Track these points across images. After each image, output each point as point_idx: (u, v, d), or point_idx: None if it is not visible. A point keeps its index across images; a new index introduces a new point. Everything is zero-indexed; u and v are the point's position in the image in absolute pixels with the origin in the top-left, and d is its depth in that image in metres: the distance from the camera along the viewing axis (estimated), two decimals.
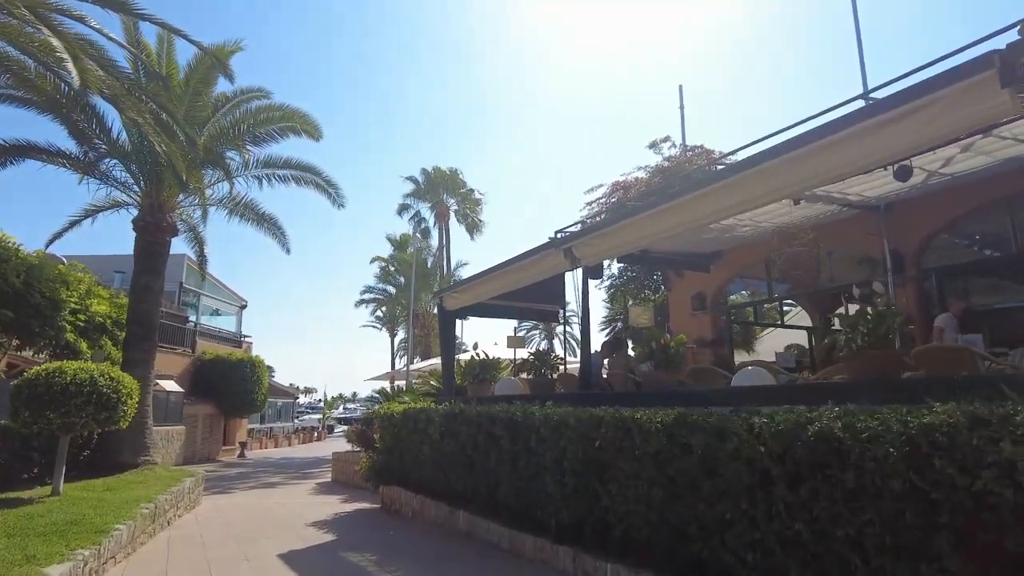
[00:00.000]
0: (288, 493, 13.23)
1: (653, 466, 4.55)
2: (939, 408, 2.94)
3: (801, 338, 14.32)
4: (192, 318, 25.40)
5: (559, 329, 46.43)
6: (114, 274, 22.31)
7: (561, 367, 8.86)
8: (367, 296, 41.54)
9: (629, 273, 15.90)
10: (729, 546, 3.96)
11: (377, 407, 12.97)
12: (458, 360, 11.54)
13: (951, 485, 2.79)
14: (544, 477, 5.75)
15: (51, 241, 13.36)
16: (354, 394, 79.06)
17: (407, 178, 36.17)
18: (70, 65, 6.07)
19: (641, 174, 15.26)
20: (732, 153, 8.36)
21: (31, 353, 11.30)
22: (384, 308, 43.19)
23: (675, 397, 5.59)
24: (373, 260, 40.24)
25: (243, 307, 31.40)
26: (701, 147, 15.38)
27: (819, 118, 5.26)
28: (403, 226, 37.81)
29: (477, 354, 9.38)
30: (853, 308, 14.00)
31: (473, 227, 35.47)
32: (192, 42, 9.33)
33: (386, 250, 39.61)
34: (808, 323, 14.15)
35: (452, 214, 35.91)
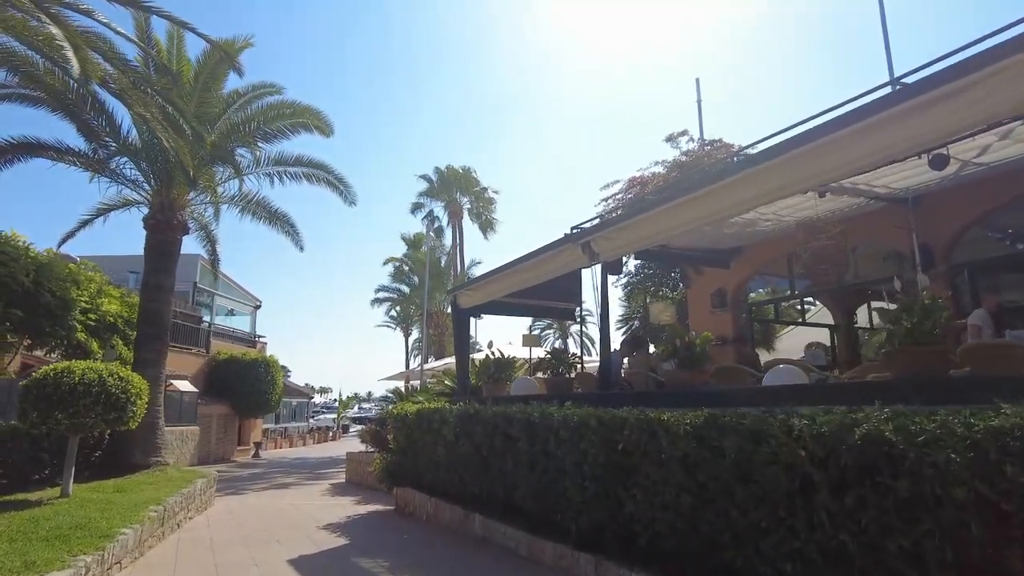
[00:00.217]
0: (301, 494, 13.07)
1: (681, 471, 4.28)
2: (1008, 410, 2.65)
3: (823, 336, 13.95)
4: (206, 318, 25.38)
5: (574, 329, 46.14)
6: (128, 274, 22.32)
7: (578, 366, 8.58)
8: (381, 295, 41.44)
9: (647, 270, 15.58)
10: (765, 556, 3.69)
11: (391, 407, 12.77)
12: (472, 359, 11.32)
13: None
14: (563, 481, 5.50)
15: (63, 240, 13.30)
16: (369, 394, 79.15)
17: (420, 176, 36.05)
18: (70, 54, 5.90)
19: (658, 169, 14.95)
20: (753, 144, 8.07)
21: (43, 353, 11.22)
22: (398, 308, 43.09)
23: (701, 397, 5.33)
24: (387, 261, 40.19)
25: (257, 307, 31.39)
26: (720, 141, 15.04)
27: (846, 106, 4.97)
28: (417, 225, 37.75)
29: (492, 353, 9.13)
30: (878, 305, 13.66)
31: (487, 226, 35.24)
32: (200, 35, 9.17)
33: (400, 249, 39.54)
34: (830, 321, 13.79)
35: (465, 213, 35.70)
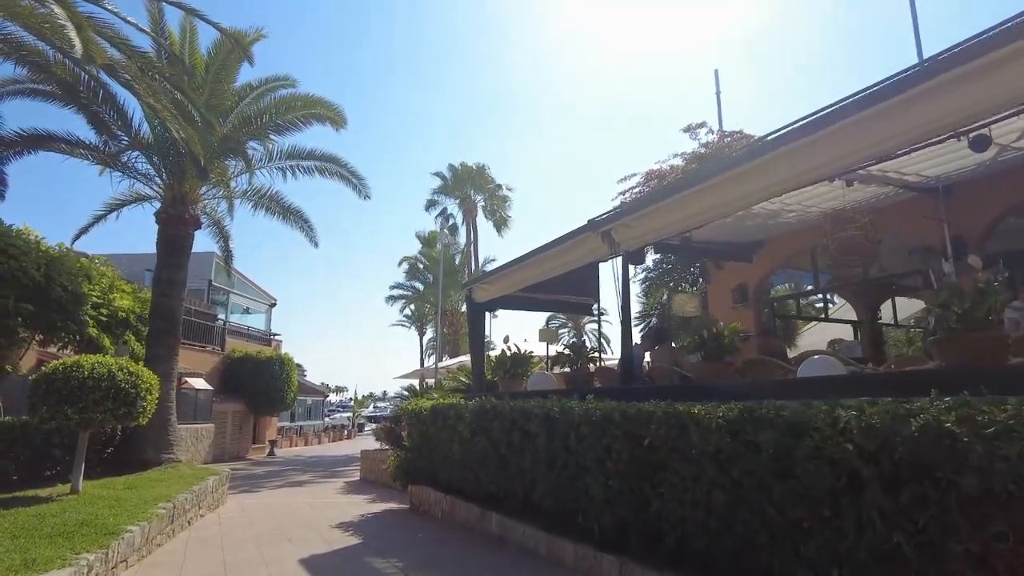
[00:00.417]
0: (315, 492, 12.92)
1: (714, 467, 4.01)
2: None
3: (845, 332, 13.57)
4: (221, 316, 25.37)
5: (589, 327, 45.79)
6: (144, 272, 22.26)
7: (598, 361, 8.31)
8: (396, 293, 41.37)
9: (665, 265, 15.26)
10: (806, 558, 3.42)
11: (405, 403, 12.57)
12: (487, 355, 11.09)
13: None
14: (585, 478, 5.24)
15: (77, 236, 13.29)
16: (384, 393, 79.26)
17: (434, 174, 35.92)
18: (72, 34, 5.72)
19: (677, 161, 14.62)
20: (786, 127, 7.75)
21: (56, 349, 11.14)
22: (413, 306, 43.03)
23: (729, 391, 5.04)
24: (402, 261, 40.13)
25: (272, 305, 31.38)
26: (740, 132, 14.68)
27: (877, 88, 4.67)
28: (431, 223, 37.62)
29: (508, 348, 8.87)
30: (906, 303, 13.27)
31: (501, 223, 35.01)
32: (210, 23, 9.03)
33: (415, 248, 39.47)
34: (852, 317, 13.42)
35: (480, 210, 35.50)
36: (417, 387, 17.36)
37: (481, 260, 34.98)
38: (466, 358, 17.93)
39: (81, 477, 7.83)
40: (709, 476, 4.06)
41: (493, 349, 16.07)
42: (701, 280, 14.15)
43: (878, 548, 3.04)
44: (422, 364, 40.19)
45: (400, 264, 39.68)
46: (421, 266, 38.74)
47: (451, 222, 35.71)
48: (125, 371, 7.90)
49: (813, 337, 14.17)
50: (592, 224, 6.81)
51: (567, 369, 7.94)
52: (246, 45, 10.93)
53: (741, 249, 11.51)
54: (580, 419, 5.28)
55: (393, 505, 9.95)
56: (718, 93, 16.98)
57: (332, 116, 12.21)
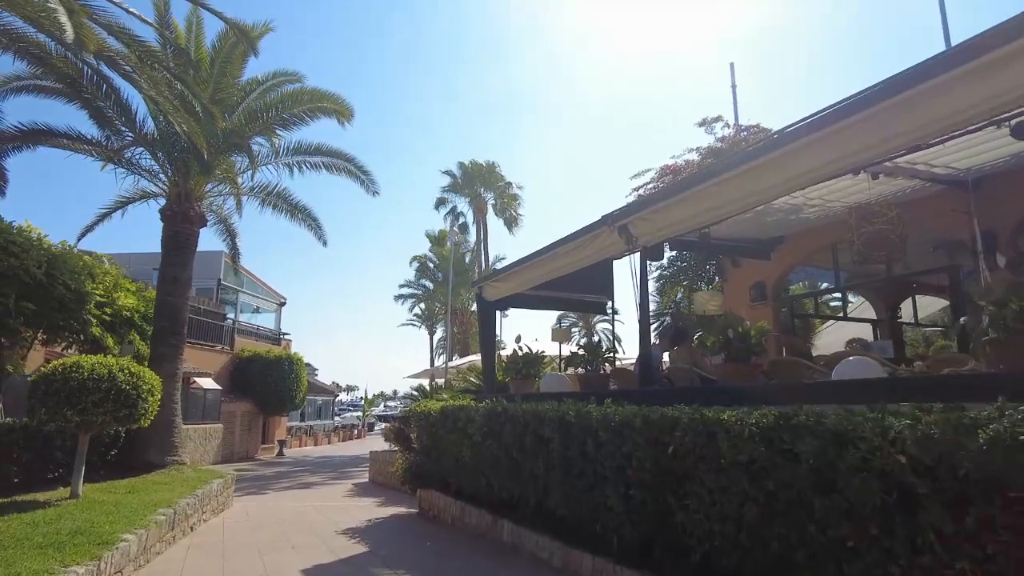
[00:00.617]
0: (323, 495, 12.68)
1: (746, 478, 3.69)
2: None
3: (863, 332, 13.19)
4: (231, 315, 25.24)
5: (600, 327, 45.39)
6: (152, 271, 22.12)
7: (615, 361, 7.99)
8: (405, 292, 41.17)
9: (680, 263, 14.94)
10: None
11: (413, 404, 12.30)
12: (499, 355, 10.80)
13: None
14: (604, 487, 4.93)
15: (82, 235, 13.10)
16: (395, 392, 79.14)
17: (444, 172, 35.62)
18: (63, 18, 5.47)
19: (692, 156, 14.30)
20: (818, 113, 7.40)
21: (60, 348, 10.96)
22: (423, 305, 42.83)
23: (756, 394, 4.72)
24: (412, 260, 39.92)
25: (282, 304, 31.24)
26: (757, 126, 14.34)
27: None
28: (440, 221, 37.40)
29: (519, 348, 8.58)
30: (924, 301, 12.86)
31: (511, 221, 34.70)
32: (213, 12, 8.75)
33: (425, 247, 39.26)
34: (870, 315, 13.04)
35: (490, 208, 35.19)
36: (427, 387, 17.09)
37: (491, 259, 34.72)
38: (476, 358, 17.67)
39: (81, 481, 7.61)
40: (741, 488, 3.74)
41: (503, 349, 15.81)
42: (717, 278, 13.81)
43: (937, 574, 2.72)
44: (432, 364, 39.99)
45: (411, 263, 39.51)
46: (431, 265, 38.54)
47: (461, 220, 35.48)
48: (126, 372, 7.66)
49: (830, 337, 13.80)
50: (608, 218, 6.49)
51: (581, 370, 7.63)
52: (252, 38, 10.68)
53: (760, 246, 11.18)
54: (598, 424, 4.97)
55: (402, 509, 9.69)
56: (734, 87, 16.61)
57: (339, 109, 11.93)
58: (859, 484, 3.02)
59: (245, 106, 11.84)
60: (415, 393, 18.30)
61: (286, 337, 30.22)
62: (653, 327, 16.77)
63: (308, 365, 30.85)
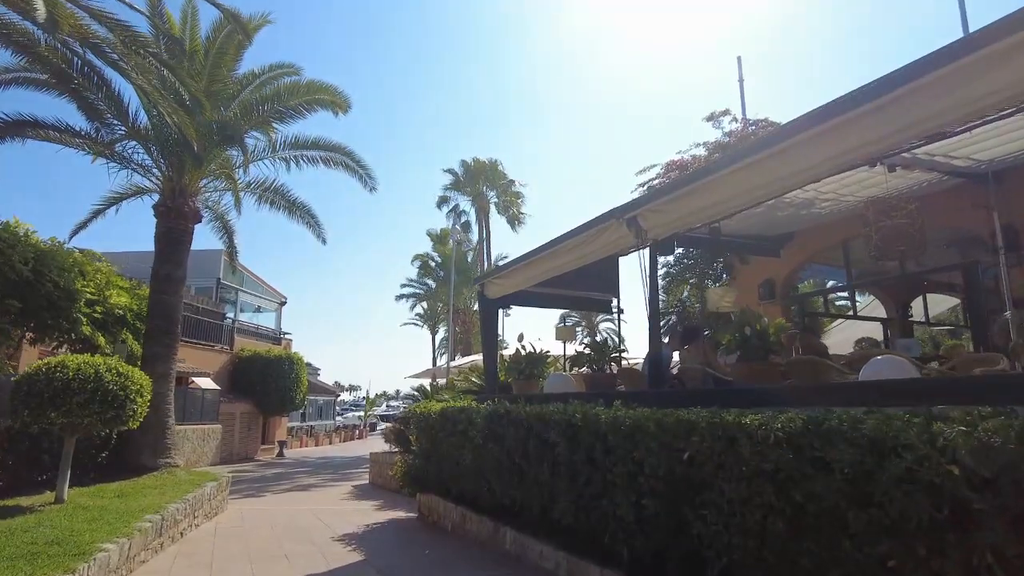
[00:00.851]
0: (321, 498, 12.39)
1: (770, 488, 3.37)
2: None
3: (872, 331, 12.88)
4: (230, 315, 24.97)
5: (603, 326, 45.05)
6: (150, 270, 21.95)
7: (622, 361, 7.66)
8: (407, 291, 40.86)
9: (686, 261, 14.62)
10: None
11: (413, 405, 11.99)
12: (501, 355, 10.49)
13: None
14: (613, 496, 4.61)
15: (75, 232, 12.84)
16: (397, 392, 78.93)
17: (446, 170, 35.31)
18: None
19: (700, 151, 13.96)
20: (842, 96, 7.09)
21: (51, 348, 10.67)
22: (425, 304, 42.53)
23: (776, 396, 4.40)
24: (415, 259, 39.61)
25: (283, 304, 30.97)
26: (765, 120, 13.99)
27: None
28: (443, 220, 37.06)
29: (523, 346, 8.26)
30: (934, 299, 12.53)
31: (515, 219, 34.34)
32: None
33: (427, 246, 38.95)
34: (879, 314, 12.73)
35: (492, 207, 34.86)
36: (428, 387, 16.78)
37: (494, 258, 34.39)
38: (478, 357, 17.35)
39: (66, 485, 7.31)
40: (764, 499, 3.42)
41: (506, 348, 15.50)
42: (725, 276, 13.49)
43: None
44: (434, 363, 39.69)
45: (412, 261, 39.22)
46: (433, 264, 38.24)
47: (464, 219, 35.16)
48: (114, 371, 7.37)
49: (839, 336, 13.48)
50: (617, 211, 6.16)
51: (587, 370, 7.31)
52: (249, 29, 10.39)
53: (769, 243, 10.87)
54: (607, 428, 4.65)
55: (401, 514, 9.39)
56: (741, 80, 16.31)
57: (336, 101, 11.60)
58: (903, 497, 2.69)
59: (241, 99, 11.53)
60: (416, 394, 17.99)
61: (286, 337, 29.95)
62: (661, 326, 16.48)
63: (309, 365, 30.59)
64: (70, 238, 12.44)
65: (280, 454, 25.47)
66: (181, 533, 7.44)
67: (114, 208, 12.61)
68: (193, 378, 19.78)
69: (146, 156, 10.72)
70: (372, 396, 62.69)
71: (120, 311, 10.76)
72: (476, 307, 26.88)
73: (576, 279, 8.68)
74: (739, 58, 15.63)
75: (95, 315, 10.04)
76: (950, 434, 2.58)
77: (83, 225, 12.76)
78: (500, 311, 12.48)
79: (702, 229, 9.40)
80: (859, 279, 11.89)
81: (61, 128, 9.83)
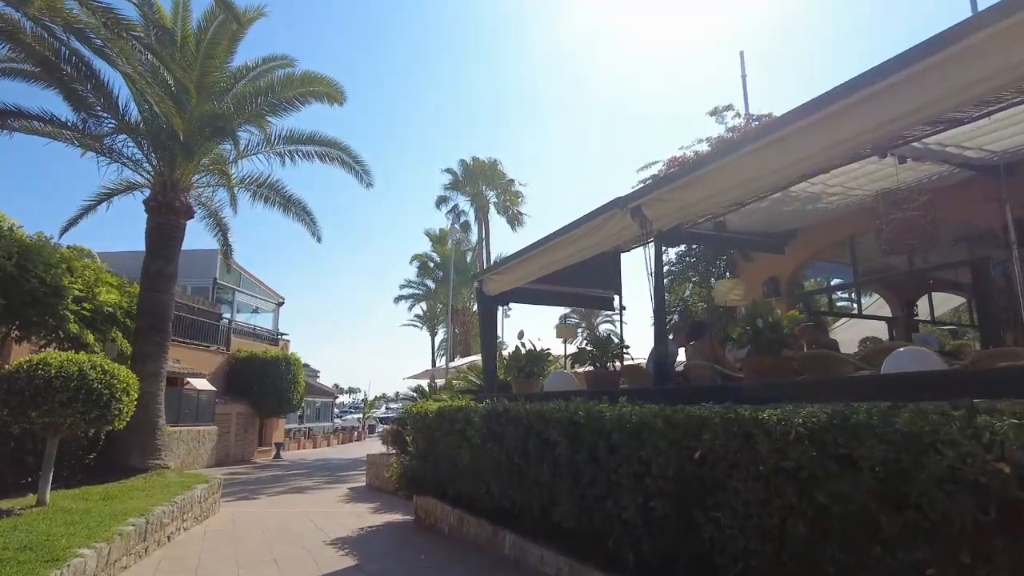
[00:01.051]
0: (316, 500, 12.11)
1: (791, 488, 3.12)
2: None
3: (877, 330, 12.63)
4: (227, 315, 24.70)
5: (603, 327, 44.79)
6: None
7: (626, 358, 7.40)
8: (406, 292, 40.58)
9: (688, 259, 14.39)
10: None
11: (410, 405, 11.72)
12: (500, 354, 10.23)
13: None
14: (619, 497, 4.35)
15: (66, 228, 12.58)
16: (397, 394, 78.61)
17: (445, 170, 35.04)
18: None
19: (702, 147, 13.71)
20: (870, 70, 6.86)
21: (39, 346, 10.40)
22: (424, 304, 42.27)
23: (789, 391, 4.11)
24: (413, 258, 39.34)
25: (280, 304, 30.70)
26: (769, 116, 13.75)
27: None
28: (442, 220, 36.81)
29: (523, 344, 8.00)
30: (939, 296, 12.29)
31: (514, 219, 34.07)
32: None
33: (426, 246, 38.70)
34: (883, 313, 12.49)
35: (492, 207, 34.60)
36: (426, 388, 16.53)
37: (493, 258, 34.09)
38: (477, 358, 17.08)
39: (48, 487, 7.04)
40: (784, 500, 3.16)
41: (506, 349, 15.24)
42: (728, 273, 13.25)
43: None
44: (433, 364, 39.42)
45: (411, 261, 38.95)
46: (431, 264, 37.98)
47: (463, 219, 34.88)
48: (98, 369, 7.11)
49: (843, 335, 13.24)
50: (621, 200, 5.89)
51: (590, 368, 7.05)
52: (241, 18, 10.13)
53: (773, 240, 10.64)
54: (612, 426, 4.39)
55: (398, 516, 9.12)
56: (744, 76, 16.03)
57: (331, 92, 11.32)
58: (944, 499, 2.44)
59: (235, 92, 11.27)
60: (414, 394, 17.73)
61: (284, 337, 29.68)
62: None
63: (307, 367, 30.31)
64: (61, 235, 12.22)
65: (277, 456, 25.19)
66: (168, 537, 7.18)
67: (105, 205, 12.34)
68: (188, 379, 19.53)
69: (136, 150, 10.48)
70: (371, 398, 62.29)
71: (110, 309, 10.50)
72: (475, 308, 26.65)
73: (577, 275, 8.45)
74: (742, 53, 15.33)
75: (83, 312, 9.78)
76: (1000, 428, 2.33)
77: (73, 222, 12.51)
78: (499, 309, 12.24)
79: (706, 224, 9.17)
80: (865, 276, 11.66)
81: (46, 118, 9.56)
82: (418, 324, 47.34)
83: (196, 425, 18.88)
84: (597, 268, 8.70)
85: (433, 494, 8.09)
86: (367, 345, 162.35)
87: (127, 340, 10.89)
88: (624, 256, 9.48)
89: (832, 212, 9.39)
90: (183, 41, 10.56)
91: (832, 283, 13.91)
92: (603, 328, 44.84)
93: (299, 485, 15.16)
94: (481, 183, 34.14)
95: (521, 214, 34.31)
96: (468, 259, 34.87)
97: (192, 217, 11.04)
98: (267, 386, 23.25)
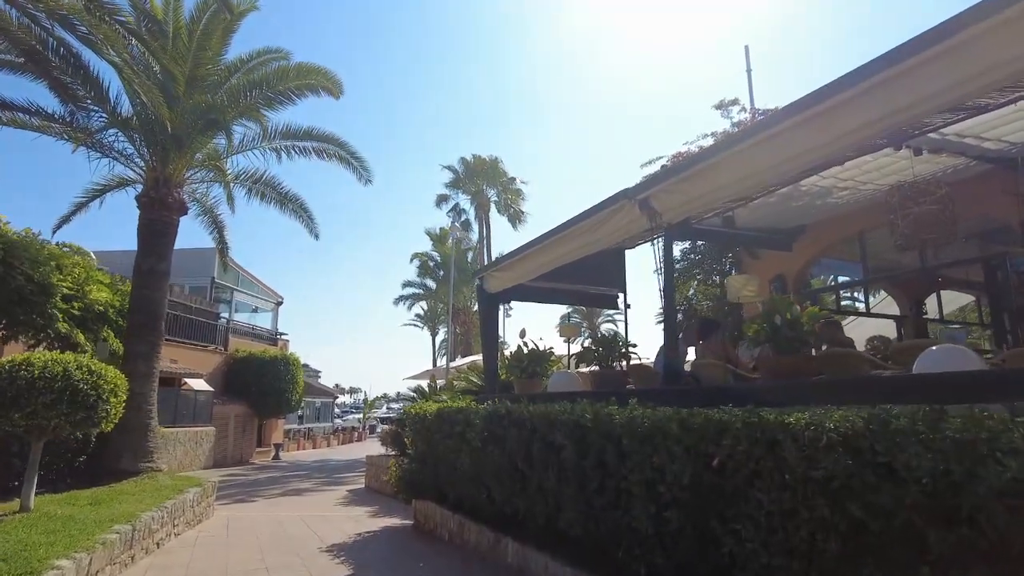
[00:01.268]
0: (314, 503, 11.85)
1: (822, 501, 2.84)
2: None
3: (884, 329, 12.35)
4: (225, 315, 24.43)
5: (604, 327, 44.48)
6: None
7: (633, 358, 7.10)
8: (406, 291, 40.26)
9: (692, 257, 14.11)
10: None
11: (409, 406, 11.44)
12: (502, 353, 9.95)
13: None
14: (629, 506, 4.07)
15: (58, 227, 12.30)
16: (398, 394, 78.34)
17: (445, 167, 34.71)
18: None
19: (708, 142, 13.43)
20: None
21: (28, 347, 10.13)
22: (424, 304, 41.97)
23: (807, 393, 3.82)
24: (414, 257, 39.02)
25: (279, 303, 30.43)
26: (775, 110, 13.48)
27: None
28: (442, 219, 36.50)
29: (525, 343, 7.72)
30: (946, 295, 12.01)
31: (515, 217, 33.74)
32: None
33: (427, 245, 38.39)
34: (892, 312, 12.22)
35: (492, 206, 34.28)
36: (426, 388, 16.24)
37: (494, 257, 33.84)
38: (478, 357, 16.80)
39: (33, 492, 6.76)
40: (814, 513, 2.88)
41: (507, 348, 14.95)
42: (734, 271, 12.98)
43: None
44: (434, 364, 39.13)
45: (411, 260, 38.64)
46: (432, 264, 37.67)
47: (463, 218, 34.56)
48: (84, 369, 6.83)
49: (850, 334, 12.98)
50: (628, 192, 5.62)
51: (595, 368, 6.77)
52: (236, 11, 9.85)
53: (780, 236, 10.36)
54: (622, 430, 4.11)
55: (396, 521, 8.85)
56: (749, 71, 15.78)
57: (328, 85, 11.03)
58: (1006, 514, 2.17)
59: (229, 86, 10.98)
60: (414, 395, 17.45)
61: (283, 337, 29.42)
62: (662, 326, 15.96)
63: (307, 367, 30.07)
64: (53, 233, 11.95)
65: (276, 457, 24.94)
66: (157, 544, 6.90)
67: (98, 202, 12.07)
68: (185, 379, 19.28)
69: (128, 144, 10.19)
70: (372, 398, 62.01)
71: (101, 307, 10.22)
72: (476, 307, 26.34)
73: (580, 272, 8.20)
74: (746, 48, 15.08)
75: (73, 311, 9.51)
76: None
77: (66, 219, 12.23)
78: (501, 309, 11.97)
79: (714, 220, 8.90)
80: (874, 274, 11.39)
81: (32, 110, 9.27)
82: (419, 324, 47.06)
83: (193, 426, 18.62)
84: (601, 265, 8.44)
85: (432, 498, 7.82)
86: (368, 345, 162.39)
87: (119, 339, 10.62)
88: (631, 253, 9.25)
89: (842, 207, 9.14)
90: (175, 32, 10.27)
91: (839, 281, 13.67)
92: (605, 328, 44.49)
93: (297, 487, 14.91)
94: (482, 181, 33.83)
95: (522, 212, 34.02)
96: (469, 258, 34.56)
97: (185, 213, 10.76)
98: (266, 386, 22.99)
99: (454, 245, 27.49)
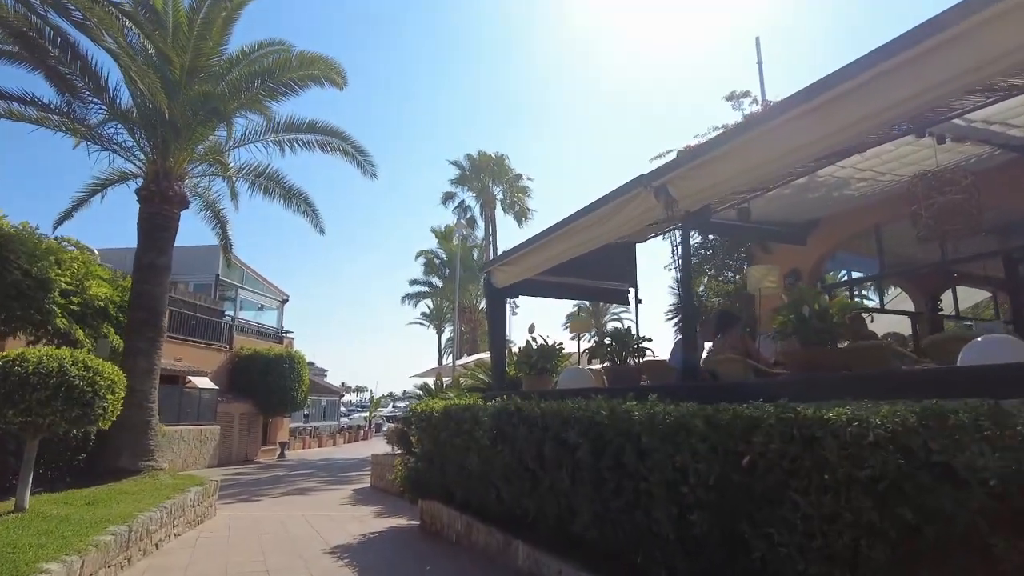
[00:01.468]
0: (318, 503, 11.64)
1: (868, 503, 2.59)
2: None
3: (898, 325, 12.05)
4: (229, 312, 24.27)
5: (611, 325, 44.18)
6: None
7: (647, 353, 6.84)
8: (413, 290, 40.04)
9: (704, 251, 13.84)
10: None
11: (415, 404, 11.21)
12: (509, 350, 9.71)
13: None
14: (649, 508, 3.83)
15: (59, 222, 12.10)
16: (404, 392, 78.19)
17: (451, 162, 34.46)
18: None
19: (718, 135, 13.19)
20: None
21: (26, 343, 9.96)
22: (430, 302, 41.76)
23: (836, 388, 3.56)
24: (419, 254, 38.81)
25: (284, 301, 30.27)
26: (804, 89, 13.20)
27: None
28: (448, 216, 36.22)
29: (534, 339, 7.47)
30: (961, 292, 11.71)
31: (521, 215, 33.48)
32: None
33: (433, 243, 38.17)
34: (906, 307, 11.95)
35: (498, 203, 34.04)
36: (432, 386, 16.01)
37: (500, 253, 33.59)
38: (485, 355, 16.57)
39: (27, 492, 6.57)
40: (859, 517, 2.63)
41: (514, 346, 14.70)
42: (746, 266, 12.72)
43: None
44: (440, 362, 38.92)
45: (417, 258, 38.42)
46: (438, 261, 37.44)
47: (469, 215, 34.33)
48: (80, 365, 6.63)
49: None
50: (644, 178, 5.35)
51: (608, 363, 6.52)
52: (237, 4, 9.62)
53: (795, 230, 10.12)
54: (641, 428, 3.86)
55: (402, 521, 8.63)
56: (760, 62, 15.49)
57: (331, 75, 10.78)
58: None
59: (230, 77, 10.75)
60: (420, 392, 17.23)
61: (288, 335, 29.24)
62: (672, 323, 15.67)
63: (311, 365, 29.88)
64: (54, 228, 11.74)
65: (281, 456, 24.76)
66: (156, 545, 6.70)
67: (99, 197, 11.88)
68: (190, 377, 19.13)
69: (128, 137, 9.99)
70: (378, 397, 61.86)
71: (100, 303, 10.03)
72: (483, 305, 26.08)
73: (589, 267, 7.97)
74: (757, 39, 14.78)
75: (71, 306, 9.32)
76: None
77: (67, 215, 12.03)
78: (508, 304, 11.73)
79: (729, 213, 8.64)
80: (890, 268, 11.12)
81: (28, 99, 9.07)
82: (425, 322, 46.84)
83: (198, 424, 18.48)
84: (610, 259, 8.22)
85: (439, 498, 7.59)
86: (374, 344, 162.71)
87: (120, 336, 10.43)
88: (641, 246, 9.02)
89: (858, 200, 8.88)
90: (175, 22, 10.05)
91: (853, 276, 13.40)
92: (610, 326, 44.18)
93: (301, 486, 14.72)
94: (487, 178, 33.59)
95: (528, 210, 33.77)
96: (475, 256, 34.34)
97: (187, 207, 10.55)
98: (271, 384, 22.82)
99: (460, 242, 27.26)
